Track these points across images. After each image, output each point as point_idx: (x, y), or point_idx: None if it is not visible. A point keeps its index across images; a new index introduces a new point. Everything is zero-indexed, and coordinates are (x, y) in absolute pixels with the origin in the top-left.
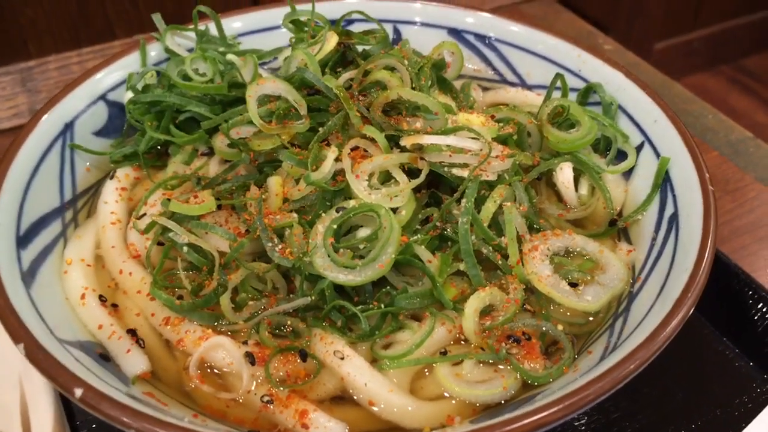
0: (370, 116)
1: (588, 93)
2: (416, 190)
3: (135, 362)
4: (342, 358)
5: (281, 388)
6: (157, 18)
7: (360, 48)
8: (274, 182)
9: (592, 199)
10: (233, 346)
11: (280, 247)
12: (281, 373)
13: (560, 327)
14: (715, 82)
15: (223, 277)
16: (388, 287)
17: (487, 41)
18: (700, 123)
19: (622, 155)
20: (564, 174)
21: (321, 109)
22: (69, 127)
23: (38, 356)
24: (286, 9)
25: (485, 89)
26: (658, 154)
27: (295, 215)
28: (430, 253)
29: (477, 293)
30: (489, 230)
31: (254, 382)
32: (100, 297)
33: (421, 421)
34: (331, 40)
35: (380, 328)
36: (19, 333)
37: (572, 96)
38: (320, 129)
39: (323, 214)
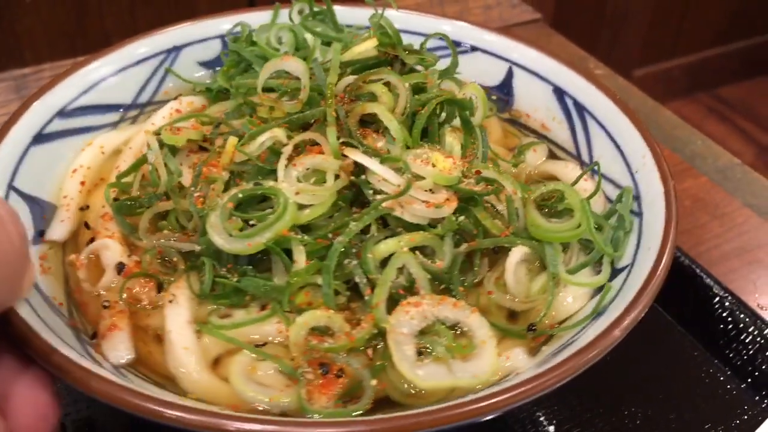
0: (344, 120)
1: (629, 196)
2: (356, 205)
3: None
4: (171, 301)
5: (120, 300)
6: None
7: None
8: (230, 142)
9: (539, 298)
10: (116, 252)
11: (197, 194)
12: (135, 291)
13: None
14: (693, 110)
15: (153, 200)
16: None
17: (582, 113)
18: (689, 149)
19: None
20: (510, 257)
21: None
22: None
23: None
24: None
25: (554, 156)
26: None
27: (225, 174)
28: (304, 256)
29: (314, 311)
30: (370, 262)
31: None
32: None
33: (195, 387)
34: (365, 45)
35: (228, 297)
36: None
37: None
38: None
39: (243, 183)
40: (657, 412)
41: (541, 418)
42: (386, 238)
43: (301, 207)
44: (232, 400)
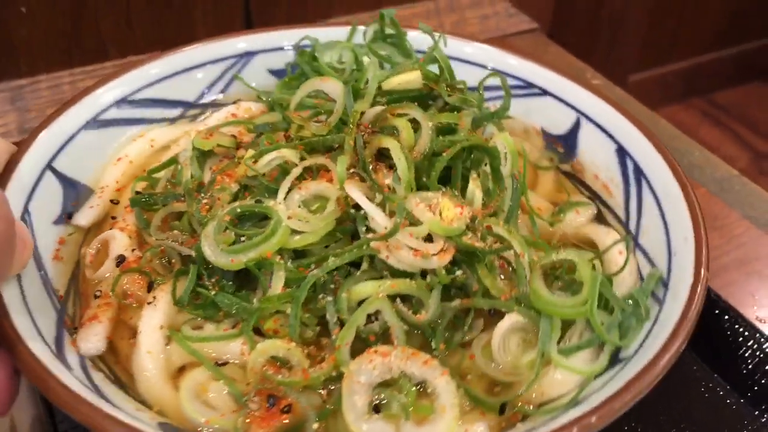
0: (360, 151)
1: (653, 281)
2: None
3: None
4: (150, 303)
5: (111, 293)
6: (389, 12)
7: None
8: (246, 155)
9: (525, 373)
10: (121, 244)
11: (205, 201)
12: (126, 286)
13: None
14: (687, 115)
15: (169, 199)
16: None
17: (639, 178)
18: (687, 160)
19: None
20: (501, 323)
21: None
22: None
23: None
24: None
25: (602, 220)
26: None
27: (235, 186)
28: (282, 282)
29: (275, 340)
30: (343, 301)
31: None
32: None
33: (149, 393)
34: (407, 76)
35: (204, 309)
36: None
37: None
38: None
39: (250, 198)
40: (656, 427)
41: None
42: (368, 279)
43: (296, 232)
44: (180, 413)
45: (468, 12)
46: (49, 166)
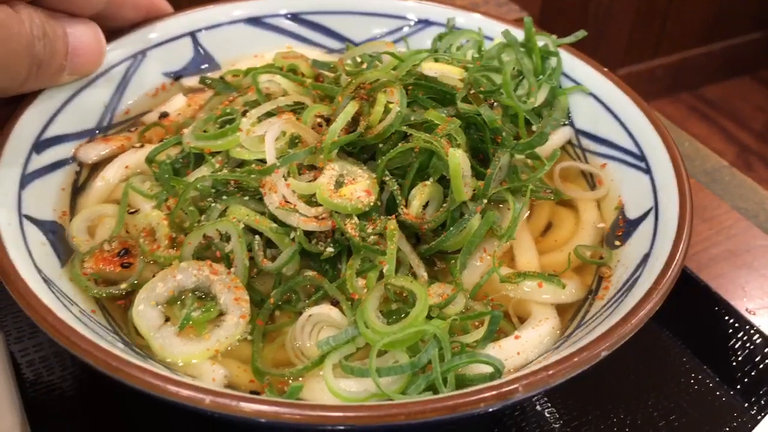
0: (339, 108)
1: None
2: None
3: None
4: (135, 146)
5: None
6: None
7: None
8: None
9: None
10: (175, 104)
11: (230, 99)
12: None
13: None
14: (675, 109)
15: (226, 90)
16: None
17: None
18: None
19: None
20: (311, 310)
21: None
22: None
23: None
24: None
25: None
26: None
27: (252, 96)
28: (200, 174)
29: (154, 212)
30: (213, 210)
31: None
32: None
33: (82, 201)
34: (447, 68)
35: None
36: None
37: None
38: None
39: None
40: (646, 419)
41: (526, 428)
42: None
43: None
44: None
45: (458, 0)
46: (191, 34)
